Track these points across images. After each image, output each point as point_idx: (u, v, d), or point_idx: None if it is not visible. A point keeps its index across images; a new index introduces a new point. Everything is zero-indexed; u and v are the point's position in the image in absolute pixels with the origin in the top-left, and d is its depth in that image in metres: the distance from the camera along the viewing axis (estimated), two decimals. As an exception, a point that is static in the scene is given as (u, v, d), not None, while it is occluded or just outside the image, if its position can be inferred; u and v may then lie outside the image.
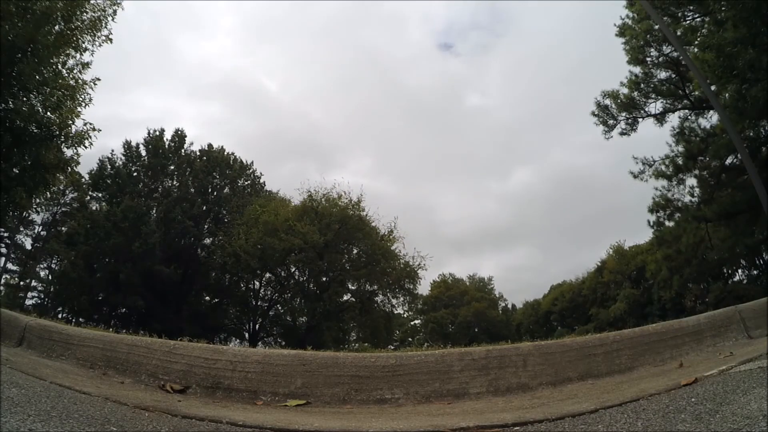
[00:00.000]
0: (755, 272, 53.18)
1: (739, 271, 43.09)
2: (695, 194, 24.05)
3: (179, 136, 49.56)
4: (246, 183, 53.19)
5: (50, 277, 54.76)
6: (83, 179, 44.58)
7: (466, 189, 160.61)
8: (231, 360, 4.15)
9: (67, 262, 46.07)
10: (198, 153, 50.13)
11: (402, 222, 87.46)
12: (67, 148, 20.98)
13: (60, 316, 61.54)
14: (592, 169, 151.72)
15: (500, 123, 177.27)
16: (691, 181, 24.26)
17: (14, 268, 51.39)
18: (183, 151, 49.44)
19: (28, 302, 52.16)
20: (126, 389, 3.99)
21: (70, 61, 21.15)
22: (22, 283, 51.62)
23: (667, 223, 24.97)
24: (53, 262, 54.61)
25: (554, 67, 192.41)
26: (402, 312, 52.86)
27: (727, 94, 19.57)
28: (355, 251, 45.37)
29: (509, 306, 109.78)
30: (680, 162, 23.81)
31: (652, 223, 25.97)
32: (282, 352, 4.32)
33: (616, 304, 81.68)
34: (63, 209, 50.37)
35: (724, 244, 25.39)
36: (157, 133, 48.62)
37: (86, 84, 21.24)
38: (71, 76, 21.13)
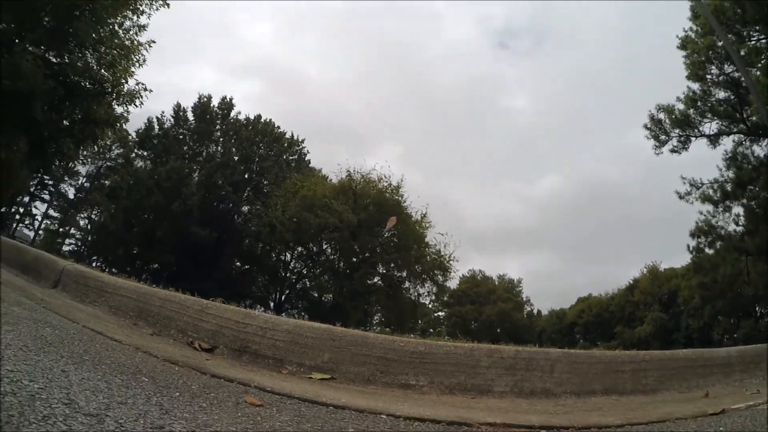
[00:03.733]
0: None
1: None
2: (740, 224, 23.36)
3: (227, 104, 50.08)
4: (292, 158, 53.51)
5: (89, 227, 56.18)
6: (130, 137, 45.50)
7: (491, 188, 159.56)
8: (261, 326, 4.17)
9: (107, 213, 47.17)
10: (244, 122, 50.57)
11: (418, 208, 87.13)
12: (118, 105, 21.48)
13: (95, 265, 63.16)
14: (624, 182, 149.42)
15: (532, 126, 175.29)
16: (738, 210, 23.57)
17: (56, 214, 52.92)
18: (230, 118, 49.92)
19: (66, 248, 53.66)
20: (155, 341, 4.04)
21: (127, 23, 21.54)
22: (61, 229, 53.00)
23: (707, 250, 24.33)
24: (93, 213, 56.00)
25: (593, 77, 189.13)
26: (427, 302, 52.63)
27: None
28: (387, 235, 45.30)
29: (534, 311, 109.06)
30: (729, 188, 23.08)
31: (691, 248, 25.39)
32: (312, 324, 4.32)
33: (642, 326, 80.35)
34: (108, 164, 51.65)
35: (761, 279, 24.70)
36: (205, 98, 49.15)
37: (141, 45, 21.69)
38: (127, 36, 21.55)
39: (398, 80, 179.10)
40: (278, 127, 52.62)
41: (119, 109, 21.82)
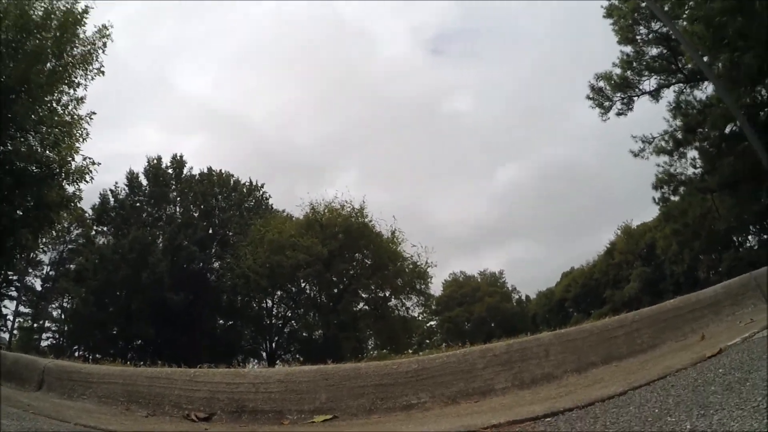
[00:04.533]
0: (765, 236, 53.07)
1: (750, 237, 42.86)
2: (697, 166, 23.93)
3: (178, 162, 49.51)
4: (252, 204, 53.21)
5: (63, 316, 54.90)
6: (87, 214, 44.74)
7: (455, 191, 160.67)
8: (253, 382, 4.14)
9: (78, 299, 46.15)
10: (198, 177, 50.16)
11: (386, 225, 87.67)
12: (69, 184, 21.05)
13: (77, 354, 61.63)
14: (578, 158, 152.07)
15: (483, 124, 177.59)
16: (692, 154, 24.14)
17: (26, 310, 51.43)
18: (183, 176, 49.48)
19: (44, 343, 52.23)
20: (151, 423, 3.98)
21: (65, 98, 21.19)
22: (35, 324, 51.70)
23: (672, 198, 24.86)
24: (64, 300, 54.76)
25: (529, 67, 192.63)
26: (417, 315, 52.51)
27: (720, 64, 19.48)
28: (360, 258, 45.32)
29: (523, 297, 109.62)
30: (680, 136, 23.66)
31: (657, 200, 25.88)
32: (303, 368, 4.31)
33: (629, 284, 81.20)
34: (69, 246, 50.56)
35: (730, 212, 25.28)
36: (155, 161, 48.64)
37: (82, 119, 21.29)
38: (66, 112, 21.17)
39: (344, 105, 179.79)
40: (232, 176, 52.36)
41: (71, 189, 21.42)
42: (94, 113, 21.81)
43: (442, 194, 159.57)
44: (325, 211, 43.73)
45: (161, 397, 4.41)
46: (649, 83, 25.23)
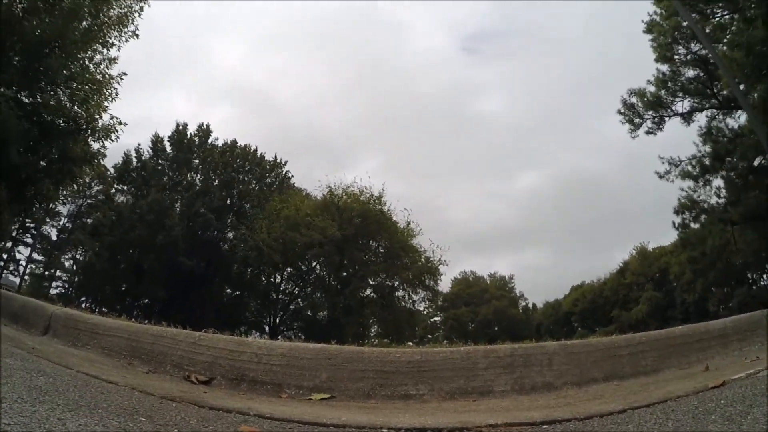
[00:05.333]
0: None
1: (765, 276, 42.42)
2: (722, 195, 23.58)
3: (204, 131, 49.85)
4: (274, 180, 53.41)
5: (75, 268, 55.57)
6: (109, 172, 45.16)
7: (474, 190, 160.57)
8: (256, 353, 4.16)
9: (91, 252, 46.72)
10: (222, 147, 50.42)
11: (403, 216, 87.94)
12: (94, 141, 21.27)
13: (84, 305, 62.29)
14: (601, 172, 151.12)
15: (509, 126, 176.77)
16: (718, 182, 23.77)
17: (40, 258, 52.20)
18: (207, 145, 49.76)
19: (53, 291, 52.98)
20: (152, 379, 4.01)
21: (98, 57, 21.38)
22: (47, 272, 52.37)
23: (692, 225, 24.54)
24: (78, 252, 55.41)
25: (563, 73, 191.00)
26: (423, 308, 52.59)
27: (755, 94, 19.14)
28: (374, 245, 45.40)
29: (530, 305, 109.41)
30: (707, 162, 23.31)
31: (677, 225, 25.62)
32: (307, 345, 4.32)
33: (638, 307, 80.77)
34: (89, 201, 51.10)
35: (749, 247, 24.94)
36: (181, 127, 48.97)
37: (113, 79, 21.48)
38: (98, 71, 21.35)
39: (372, 93, 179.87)
40: (256, 151, 52.53)
41: (95, 145, 21.67)
42: (125, 74, 22.01)
43: (460, 192, 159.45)
44: (343, 194, 43.82)
45: (164, 356, 4.45)
46: (683, 105, 24.89)
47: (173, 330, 4.76)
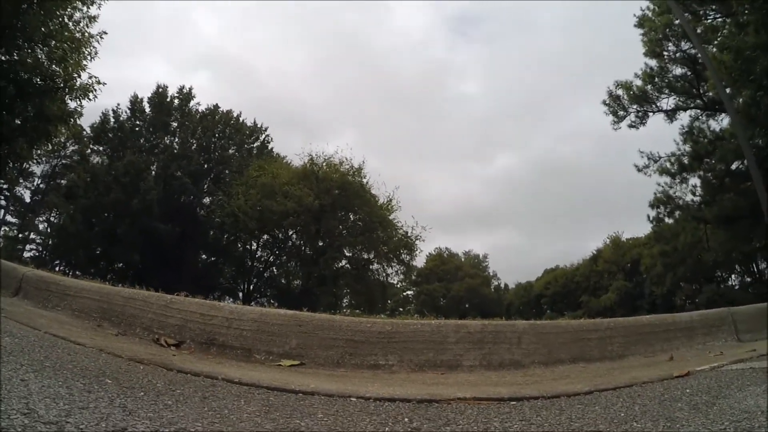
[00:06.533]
0: (748, 279, 53.61)
1: (733, 276, 43.35)
2: (697, 194, 23.89)
3: (184, 95, 48.85)
4: (254, 146, 52.89)
5: (48, 230, 54.85)
6: (85, 132, 44.37)
7: (449, 170, 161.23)
8: (227, 317, 4.15)
9: (65, 215, 46.03)
10: (203, 112, 49.66)
11: (381, 189, 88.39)
12: (71, 100, 20.82)
13: (57, 269, 61.50)
14: (577, 158, 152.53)
15: (487, 109, 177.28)
16: (694, 181, 24.04)
17: (13, 220, 51.28)
18: (187, 108, 48.92)
19: (26, 254, 52.24)
20: (120, 341, 3.98)
21: (77, 14, 20.82)
22: (20, 235, 51.59)
23: (666, 219, 24.85)
24: (52, 215, 54.63)
25: (543, 58, 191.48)
26: (396, 282, 52.91)
27: (740, 99, 19.28)
28: (352, 218, 45.37)
29: (502, 285, 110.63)
30: (686, 161, 23.55)
31: (651, 218, 25.98)
32: (278, 311, 4.31)
33: (607, 294, 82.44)
34: (63, 162, 50.16)
35: (721, 247, 25.39)
36: (161, 89, 48.05)
37: (92, 38, 20.94)
38: (77, 29, 20.83)
39: (351, 69, 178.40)
40: (238, 117, 51.88)
41: (72, 104, 21.22)
42: (105, 33, 21.44)
43: (436, 170, 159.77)
44: (324, 164, 43.56)
45: (134, 318, 4.42)
46: (668, 102, 25.06)
47: (145, 292, 4.72)
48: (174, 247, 42.93)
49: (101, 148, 46.66)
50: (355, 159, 47.23)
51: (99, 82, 21.10)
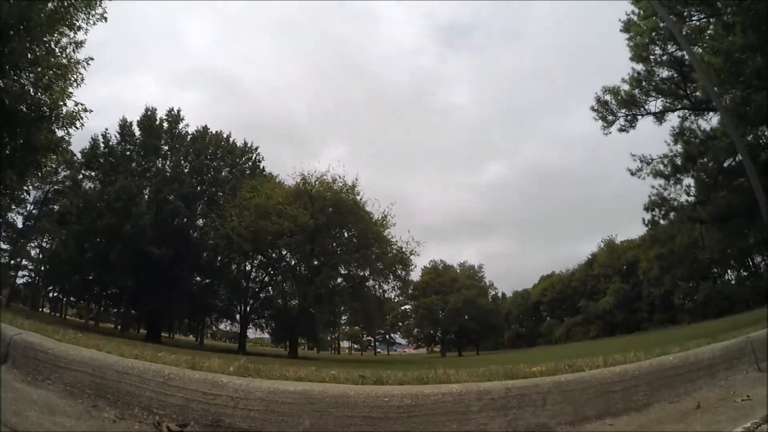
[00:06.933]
0: (744, 273, 53.88)
1: (729, 271, 43.60)
2: (691, 193, 23.93)
3: (173, 116, 48.86)
4: (246, 166, 52.83)
5: (41, 256, 54.61)
6: (76, 157, 44.16)
7: (440, 179, 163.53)
8: (232, 395, 3.86)
9: (58, 240, 45.82)
10: (193, 134, 49.62)
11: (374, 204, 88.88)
12: (58, 129, 20.67)
13: (51, 294, 61.36)
14: (567, 164, 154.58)
15: (476, 118, 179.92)
16: (688, 180, 24.08)
17: (5, 246, 51.16)
18: (177, 131, 48.81)
19: (19, 281, 52.17)
20: (119, 427, 3.69)
21: (64, 40, 20.76)
22: (12, 261, 51.28)
23: (661, 221, 24.85)
24: (44, 240, 54.46)
25: (532, 69, 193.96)
26: (393, 297, 52.91)
27: (727, 98, 19.26)
28: (347, 235, 45.36)
29: (499, 294, 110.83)
30: (679, 162, 23.58)
31: (646, 221, 26.03)
32: (287, 387, 4.01)
33: (605, 298, 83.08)
34: (55, 187, 50.08)
35: (717, 245, 25.42)
36: (150, 111, 47.90)
37: (79, 64, 20.91)
38: (64, 55, 20.76)
39: (339, 81, 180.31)
40: (229, 137, 51.85)
41: (60, 133, 21.13)
42: (92, 59, 21.55)
43: (426, 180, 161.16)
44: (316, 182, 43.54)
45: (131, 396, 4.11)
46: (656, 105, 25.16)
47: (140, 365, 4.40)
48: (168, 269, 42.74)
49: (93, 174, 46.50)
50: (348, 176, 47.55)
51: (86, 110, 21.07)
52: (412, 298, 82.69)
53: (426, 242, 59.89)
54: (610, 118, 25.98)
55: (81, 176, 46.81)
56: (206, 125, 51.31)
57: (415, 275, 55.83)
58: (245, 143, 53.46)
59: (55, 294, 47.77)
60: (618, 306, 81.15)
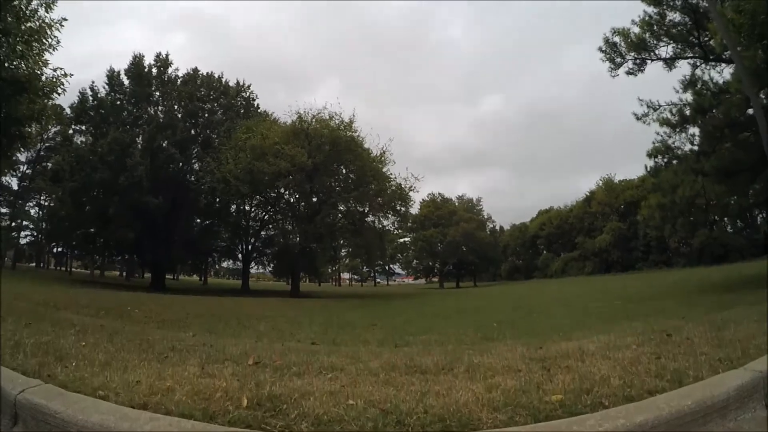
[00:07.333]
0: (741, 224, 54.15)
1: (726, 219, 43.74)
2: (694, 143, 23.42)
3: (162, 61, 47.64)
4: (240, 105, 51.93)
5: (40, 214, 54.65)
6: (65, 112, 43.50)
7: (437, 113, 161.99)
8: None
9: (55, 198, 45.60)
10: (183, 77, 48.48)
11: (371, 140, 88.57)
12: (39, 98, 20.04)
13: (55, 250, 61.57)
14: (566, 100, 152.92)
15: (476, 53, 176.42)
16: (693, 130, 23.52)
17: (4, 210, 51.79)
18: (167, 76, 47.60)
19: (23, 241, 52.44)
20: None
21: (34, 2, 19.81)
22: (13, 223, 51.33)
23: (664, 169, 24.48)
24: (42, 199, 54.40)
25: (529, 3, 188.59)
26: (392, 229, 53.15)
27: (746, 54, 18.60)
28: (345, 172, 45.11)
29: (497, 228, 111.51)
30: (687, 112, 22.93)
31: (649, 168, 25.70)
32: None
33: (602, 236, 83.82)
34: (47, 145, 49.58)
35: (719, 199, 25.25)
36: (137, 58, 46.74)
37: (52, 26, 20.03)
38: (36, 18, 19.86)
39: (334, 15, 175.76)
40: (221, 78, 50.70)
41: (42, 101, 20.49)
42: (65, 20, 20.50)
43: (423, 114, 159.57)
44: (313, 120, 42.87)
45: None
46: (666, 50, 24.32)
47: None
48: (167, 218, 42.63)
49: (83, 128, 45.68)
50: (344, 113, 46.84)
51: (65, 75, 20.39)
52: (411, 230, 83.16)
53: (424, 177, 59.65)
54: (618, 60, 25.16)
55: (71, 132, 45.95)
56: (196, 67, 50.18)
57: (414, 209, 55.99)
58: (238, 83, 52.46)
59: (59, 249, 47.83)
60: (614, 244, 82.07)
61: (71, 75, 20.44)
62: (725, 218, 42.87)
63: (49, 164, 48.43)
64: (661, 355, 5.10)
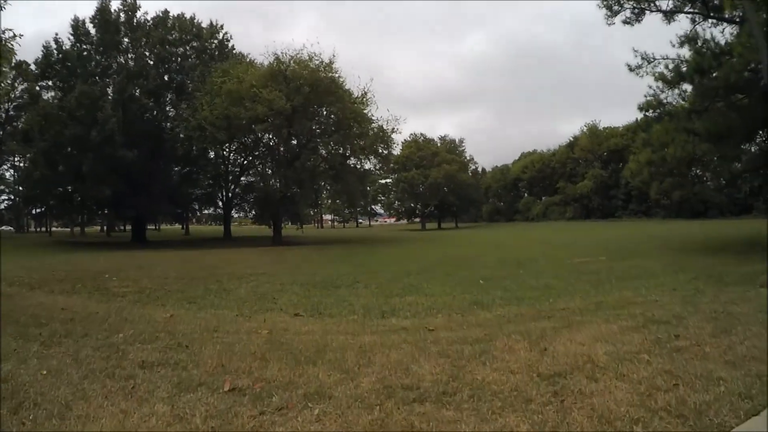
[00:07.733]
0: (723, 181, 54.36)
1: (708, 174, 43.83)
2: (686, 99, 22.80)
3: (130, 6, 45.21)
4: (214, 48, 50.22)
5: (15, 177, 53.25)
6: (30, 68, 42.14)
7: (416, 49, 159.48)
8: None
9: (28, 160, 44.21)
10: (153, 20, 46.35)
11: (352, 81, 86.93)
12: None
13: (34, 212, 60.46)
14: (551, 41, 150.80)
15: None
16: (686, 87, 22.85)
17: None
18: (135, 21, 45.40)
19: (1, 206, 51.25)
20: None
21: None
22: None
23: (655, 125, 23.95)
24: (15, 161, 52.95)
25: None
26: (374, 170, 52.62)
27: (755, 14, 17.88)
28: (325, 113, 44.20)
29: (479, 169, 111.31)
30: (684, 69, 22.15)
31: (639, 122, 25.29)
32: None
33: (583, 182, 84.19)
34: (14, 104, 47.92)
35: (708, 161, 25.04)
36: (103, 5, 44.22)
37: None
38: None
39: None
40: (193, 19, 48.63)
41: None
42: None
43: (404, 50, 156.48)
44: (291, 62, 41.51)
45: None
46: (667, 3, 23.44)
47: None
48: (143, 170, 41.44)
49: (50, 83, 43.86)
50: (324, 53, 45.48)
51: (15, 36, 18.96)
52: (393, 171, 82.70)
53: (406, 118, 58.25)
54: (616, 8, 24.31)
55: (38, 88, 43.91)
56: (167, 9, 47.69)
57: (396, 150, 55.37)
58: (211, 23, 50.39)
59: (37, 211, 46.81)
60: (595, 191, 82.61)
61: (21, 35, 18.97)
62: (705, 173, 42.82)
63: (19, 124, 46.76)
64: (678, 379, 4.74)
